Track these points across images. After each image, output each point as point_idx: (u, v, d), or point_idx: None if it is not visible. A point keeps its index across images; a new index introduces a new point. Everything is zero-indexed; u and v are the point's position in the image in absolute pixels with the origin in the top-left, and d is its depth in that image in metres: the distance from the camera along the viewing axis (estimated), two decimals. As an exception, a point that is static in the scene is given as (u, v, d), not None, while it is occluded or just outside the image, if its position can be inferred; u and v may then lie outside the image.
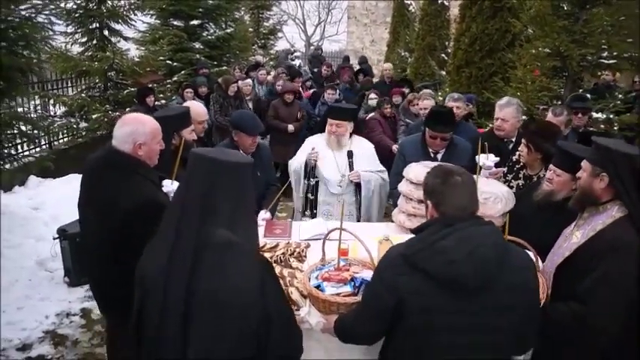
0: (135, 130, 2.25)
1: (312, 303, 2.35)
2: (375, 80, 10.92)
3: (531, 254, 2.26)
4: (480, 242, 1.61)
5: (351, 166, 3.67)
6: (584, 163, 2.16)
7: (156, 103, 6.35)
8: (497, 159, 3.30)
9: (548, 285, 2.21)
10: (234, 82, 6.99)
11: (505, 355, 1.79)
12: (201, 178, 1.59)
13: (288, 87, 7.05)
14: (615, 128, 5.04)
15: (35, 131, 4.85)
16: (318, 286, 2.33)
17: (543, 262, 2.39)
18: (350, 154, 3.68)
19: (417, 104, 5.80)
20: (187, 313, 1.56)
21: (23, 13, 3.92)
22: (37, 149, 6.18)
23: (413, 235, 1.82)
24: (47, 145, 6.51)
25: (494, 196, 2.66)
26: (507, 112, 3.60)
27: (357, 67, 14.82)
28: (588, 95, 5.45)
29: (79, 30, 6.88)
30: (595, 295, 2.00)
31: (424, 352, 1.69)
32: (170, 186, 2.64)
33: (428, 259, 1.62)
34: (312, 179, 3.72)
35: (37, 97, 6.27)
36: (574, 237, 2.17)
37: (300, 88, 8.31)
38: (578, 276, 2.04)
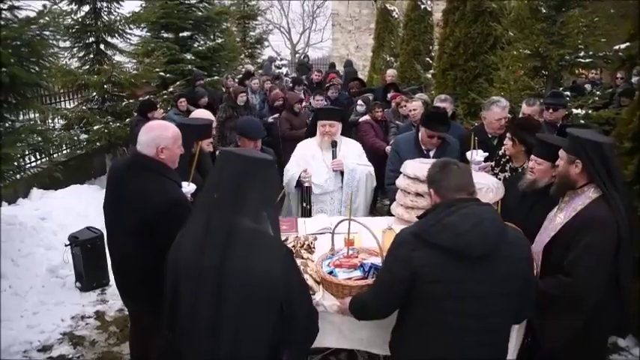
0: (159, 136, 2.48)
1: (325, 288, 2.57)
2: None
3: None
4: (482, 217, 1.85)
5: (334, 155, 3.82)
6: (561, 152, 2.43)
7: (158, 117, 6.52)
8: (486, 154, 3.58)
9: (538, 263, 2.47)
10: (242, 92, 7.10)
11: (507, 320, 2.01)
12: (234, 173, 1.81)
13: (296, 97, 7.18)
14: (595, 124, 5.35)
15: (42, 143, 5.00)
16: (330, 272, 2.57)
17: (531, 244, 2.65)
18: (334, 144, 3.82)
19: (406, 106, 6.08)
20: (220, 290, 1.75)
21: (34, 30, 4.10)
22: (38, 162, 6.32)
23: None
24: (48, 157, 6.64)
25: (485, 186, 2.91)
26: (506, 112, 3.89)
27: (342, 71, 15.20)
28: (567, 93, 5.79)
29: (77, 45, 7.06)
30: (578, 266, 2.26)
31: (435, 320, 1.91)
32: (187, 187, 2.88)
33: (437, 233, 1.85)
34: (305, 203, 3.89)
35: (39, 111, 6.40)
36: (557, 218, 2.44)
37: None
38: (563, 251, 2.31)
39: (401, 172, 3.36)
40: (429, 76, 9.62)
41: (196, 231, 1.83)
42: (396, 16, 15.38)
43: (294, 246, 3.04)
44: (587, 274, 2.24)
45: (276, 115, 7.07)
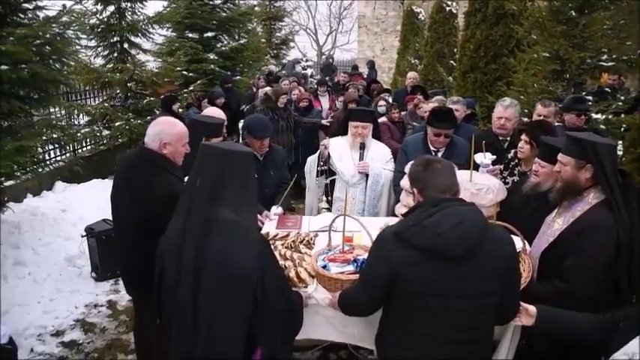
0: (162, 130, 2.56)
1: (319, 281, 2.61)
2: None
3: (518, 238, 2.50)
4: (464, 217, 1.85)
5: (361, 157, 3.85)
6: (565, 158, 2.35)
7: (179, 110, 6.70)
8: (494, 157, 3.53)
9: (534, 268, 2.43)
10: (284, 94, 6.95)
11: (488, 320, 2.00)
12: (211, 165, 1.88)
13: (352, 97, 7.19)
14: (617, 129, 5.21)
15: (64, 138, 5.19)
16: (324, 267, 2.60)
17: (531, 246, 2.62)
18: (362, 146, 3.86)
19: (422, 107, 6.05)
20: (196, 276, 1.83)
21: (55, 29, 4.27)
22: (64, 156, 6.55)
23: None
24: (72, 153, 6.88)
25: (486, 187, 2.90)
26: (511, 112, 3.82)
27: (365, 72, 15.20)
28: (590, 97, 5.65)
29: (101, 44, 7.30)
30: (575, 272, 2.22)
31: (416, 318, 1.93)
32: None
33: (417, 234, 1.86)
34: (325, 166, 3.92)
35: (62, 107, 6.65)
36: (556, 224, 2.40)
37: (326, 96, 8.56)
38: (561, 258, 2.28)
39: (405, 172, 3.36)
40: (451, 79, 9.53)
41: (179, 220, 1.91)
42: (422, 18, 15.28)
43: (293, 241, 3.08)
44: (583, 280, 2.19)
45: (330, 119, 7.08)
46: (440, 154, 3.74)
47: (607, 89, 7.05)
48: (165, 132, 2.56)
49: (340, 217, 2.76)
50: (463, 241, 1.82)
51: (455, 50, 11.98)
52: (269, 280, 1.91)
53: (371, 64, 16.44)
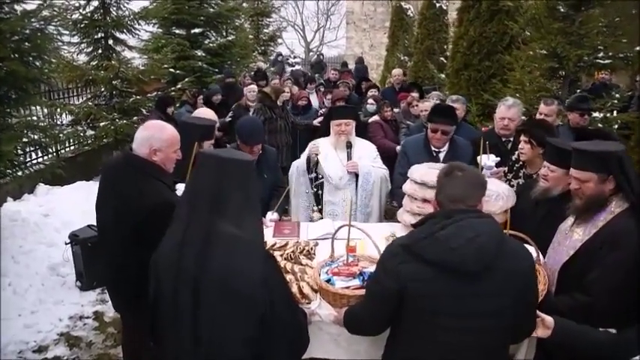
0: (152, 136, 2.36)
1: (322, 296, 2.45)
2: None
3: (532, 248, 2.37)
4: (479, 231, 1.71)
5: (349, 157, 3.71)
6: (585, 174, 2.17)
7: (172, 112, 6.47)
8: (498, 159, 3.41)
9: (552, 282, 2.30)
10: (284, 92, 6.65)
11: (503, 339, 1.87)
12: (210, 176, 1.71)
13: (340, 95, 6.96)
14: (615, 127, 5.14)
15: (45, 139, 4.95)
16: (328, 281, 2.44)
17: (544, 255, 2.49)
18: (349, 145, 3.72)
19: (417, 106, 5.92)
20: (196, 297, 1.68)
21: (34, 24, 4.03)
22: (46, 157, 6.28)
23: None
24: (55, 154, 6.61)
25: (495, 194, 2.76)
26: (514, 112, 3.71)
27: (352, 67, 15.05)
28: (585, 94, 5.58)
29: (85, 40, 7.01)
30: (598, 285, 2.09)
31: (427, 336, 1.79)
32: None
33: (429, 247, 1.72)
34: (314, 173, 3.78)
35: (44, 106, 6.38)
36: (575, 234, 2.26)
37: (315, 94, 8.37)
38: (583, 271, 2.14)
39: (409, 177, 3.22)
40: (443, 76, 9.42)
41: (176, 235, 1.75)
42: (411, 14, 15.19)
43: (293, 251, 2.91)
44: (607, 294, 2.06)
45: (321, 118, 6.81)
46: (442, 156, 3.61)
47: (604, 84, 7.03)
48: (156, 137, 2.37)
49: (341, 225, 2.60)
50: (478, 257, 1.69)
51: (445, 47, 11.90)
52: (276, 297, 1.76)
53: (359, 61, 16.28)
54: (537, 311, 1.97)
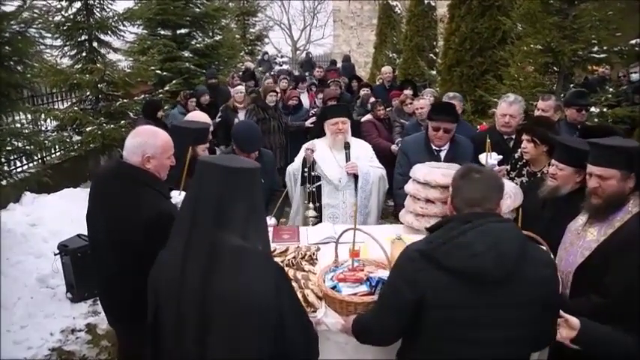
0: (145, 142, 2.23)
1: (328, 304, 2.35)
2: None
3: (544, 249, 2.29)
4: (500, 236, 1.63)
5: (347, 158, 3.62)
6: (609, 171, 2.08)
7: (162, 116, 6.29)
8: (501, 157, 3.33)
9: (565, 283, 2.22)
10: (272, 91, 6.42)
11: (525, 349, 1.79)
12: (213, 185, 1.59)
13: (332, 94, 6.81)
14: (609, 121, 5.11)
15: (30, 147, 4.76)
16: (333, 287, 2.34)
17: (554, 255, 2.41)
18: (347, 146, 3.62)
19: (411, 104, 5.84)
20: (204, 319, 1.56)
21: (15, 27, 3.85)
22: (31, 165, 6.08)
23: (426, 234, 1.84)
24: (40, 160, 6.41)
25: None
26: (515, 109, 3.64)
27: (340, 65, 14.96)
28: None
29: (68, 43, 6.80)
30: (617, 286, 2.01)
31: (444, 347, 1.70)
32: (178, 197, 2.63)
33: (449, 254, 1.63)
34: (311, 172, 3.67)
35: (27, 112, 6.18)
36: (589, 234, 2.18)
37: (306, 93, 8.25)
38: (599, 273, 2.06)
39: (410, 176, 3.13)
40: (434, 72, 9.37)
41: (176, 250, 1.62)
42: (399, 11, 15.14)
43: (294, 257, 2.81)
44: (625, 296, 1.98)
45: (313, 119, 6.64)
46: (443, 155, 3.53)
47: (603, 78, 7.01)
48: (149, 144, 2.24)
49: (346, 229, 2.50)
50: (500, 264, 1.60)
51: (435, 44, 11.87)
52: (288, 314, 1.65)
53: (346, 59, 16.19)
54: (560, 311, 1.89)
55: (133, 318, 2.26)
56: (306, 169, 3.68)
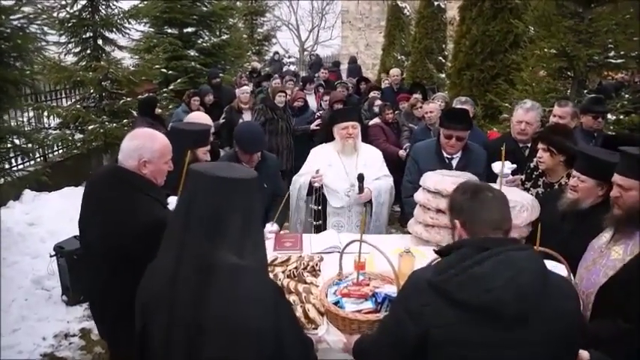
0: (142, 146, 2.11)
1: (330, 321, 2.21)
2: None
3: (563, 267, 2.14)
4: (520, 267, 1.45)
5: (361, 190, 3.42)
6: (629, 182, 1.97)
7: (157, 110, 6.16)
8: (514, 166, 3.17)
9: (586, 305, 2.07)
10: (281, 91, 6.28)
11: None
12: (204, 198, 1.46)
13: (338, 97, 6.67)
14: (625, 129, 4.94)
15: (29, 145, 4.66)
16: (336, 303, 2.20)
17: (573, 273, 2.26)
18: (361, 178, 3.42)
19: (421, 107, 5.68)
20: (195, 341, 1.44)
21: (15, 23, 3.75)
22: (32, 162, 5.99)
23: (433, 246, 1.69)
24: (42, 158, 6.32)
25: (519, 204, 2.53)
26: (532, 116, 3.48)
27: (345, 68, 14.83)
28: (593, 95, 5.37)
29: (73, 40, 6.72)
30: None
31: None
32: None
33: (461, 286, 1.45)
34: (316, 205, 3.54)
35: (30, 109, 6.09)
36: (613, 252, 2.03)
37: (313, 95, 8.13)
38: (625, 296, 1.90)
39: (420, 185, 2.98)
40: (442, 75, 9.22)
41: (166, 270, 1.48)
42: (408, 13, 15.00)
43: (296, 268, 2.67)
44: None
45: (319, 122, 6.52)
46: (454, 162, 3.38)
47: (621, 84, 6.83)
48: (146, 148, 2.11)
49: (351, 241, 2.35)
50: (520, 300, 1.42)
51: (444, 46, 11.72)
52: (286, 335, 1.52)
53: (352, 61, 16.04)
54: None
55: (121, 333, 2.15)
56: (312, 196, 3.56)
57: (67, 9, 6.45)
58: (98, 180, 2.25)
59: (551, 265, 2.22)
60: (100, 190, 2.21)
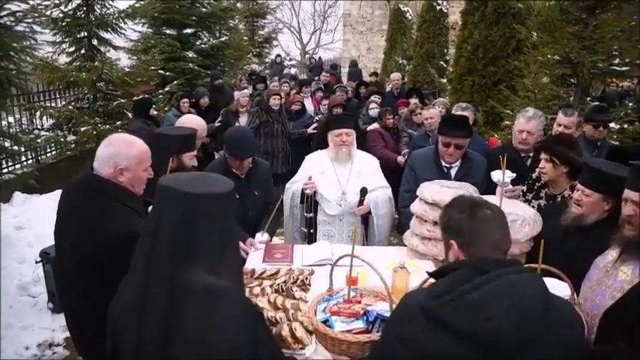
0: (118, 153, 1.98)
1: (318, 340, 2.08)
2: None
3: (567, 286, 2.02)
4: (521, 293, 1.32)
5: (361, 203, 3.30)
6: None
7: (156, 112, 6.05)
8: (514, 175, 3.04)
9: (591, 328, 1.94)
10: (275, 94, 6.18)
11: None
12: (173, 215, 1.34)
13: (337, 101, 6.58)
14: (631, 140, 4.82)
15: (16, 147, 4.53)
16: (325, 321, 2.07)
17: (577, 290, 2.14)
18: (364, 192, 3.30)
19: (421, 113, 5.56)
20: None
21: (0, 22, 3.63)
22: (23, 164, 5.87)
23: (430, 259, 1.56)
24: (33, 160, 6.20)
25: (520, 218, 2.40)
26: (534, 125, 3.34)
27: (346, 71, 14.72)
28: (596, 103, 5.25)
29: (67, 39, 6.60)
30: None
31: None
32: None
33: (457, 313, 1.32)
34: (309, 213, 3.43)
35: (22, 109, 5.97)
36: (621, 273, 1.90)
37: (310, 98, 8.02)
38: (633, 320, 1.77)
39: (416, 194, 2.86)
40: (444, 80, 9.11)
41: (135, 284, 1.37)
42: (410, 17, 14.90)
43: (285, 282, 2.54)
44: None
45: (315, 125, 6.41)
46: (453, 171, 3.25)
47: (628, 92, 6.71)
48: (122, 154, 1.99)
49: (342, 255, 2.22)
50: (521, 329, 1.30)
51: (445, 51, 11.61)
52: (264, 356, 1.39)
53: (353, 64, 15.92)
54: None
55: (99, 349, 2.03)
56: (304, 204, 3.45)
57: (62, 8, 6.33)
58: (73, 188, 2.13)
59: (554, 283, 2.11)
60: (75, 198, 2.10)
